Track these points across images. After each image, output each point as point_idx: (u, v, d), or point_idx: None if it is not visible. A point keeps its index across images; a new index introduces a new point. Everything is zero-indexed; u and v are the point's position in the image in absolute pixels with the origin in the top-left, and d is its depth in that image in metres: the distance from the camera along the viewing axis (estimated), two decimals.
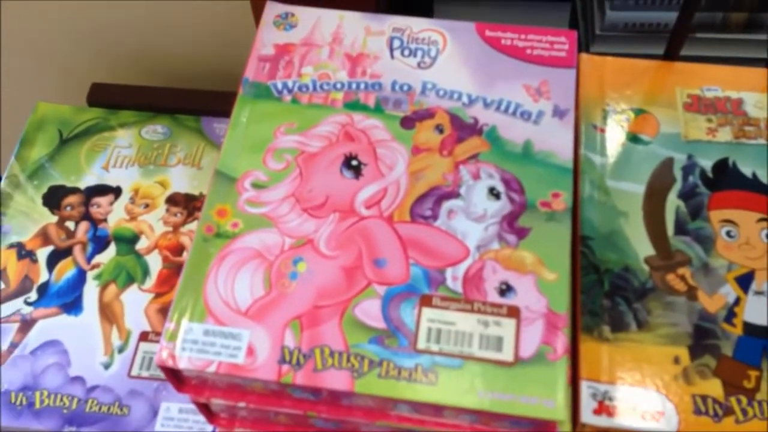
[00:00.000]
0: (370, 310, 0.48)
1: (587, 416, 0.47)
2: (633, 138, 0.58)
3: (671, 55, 0.65)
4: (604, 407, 0.47)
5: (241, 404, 0.50)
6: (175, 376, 0.49)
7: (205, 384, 0.50)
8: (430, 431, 0.49)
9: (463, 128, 0.55)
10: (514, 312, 0.47)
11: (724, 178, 0.56)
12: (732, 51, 0.79)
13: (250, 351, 0.47)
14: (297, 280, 0.49)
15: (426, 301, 0.48)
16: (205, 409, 0.53)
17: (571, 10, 0.88)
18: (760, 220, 0.54)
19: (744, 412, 0.47)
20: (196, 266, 0.50)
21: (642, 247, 0.53)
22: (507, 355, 0.46)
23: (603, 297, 0.51)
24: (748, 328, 0.50)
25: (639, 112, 0.60)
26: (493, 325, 0.47)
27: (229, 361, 0.46)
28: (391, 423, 0.49)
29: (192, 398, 0.51)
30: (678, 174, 0.56)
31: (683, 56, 0.65)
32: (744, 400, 0.47)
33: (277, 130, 0.55)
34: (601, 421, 0.47)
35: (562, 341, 0.46)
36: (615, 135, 0.58)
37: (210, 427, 0.57)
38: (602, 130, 0.59)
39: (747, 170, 0.56)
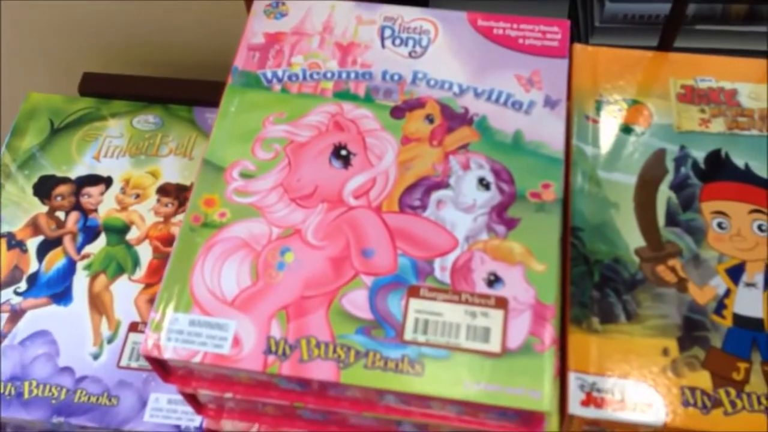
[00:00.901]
0: (357, 301, 0.48)
1: (575, 407, 0.46)
2: (625, 129, 0.58)
3: (664, 46, 0.64)
4: (592, 398, 0.47)
5: (228, 395, 0.49)
6: (162, 367, 0.49)
7: (191, 375, 0.49)
8: (417, 422, 0.49)
9: (454, 118, 0.55)
10: (501, 303, 0.47)
11: (717, 169, 0.55)
12: (732, 43, 0.78)
13: (236, 341, 0.46)
14: (284, 270, 0.49)
15: (413, 292, 0.48)
16: (193, 400, 0.53)
17: (570, 2, 0.88)
18: (752, 211, 0.53)
19: (732, 404, 0.46)
20: (183, 256, 0.49)
21: (632, 238, 0.52)
22: (494, 346, 0.46)
23: (592, 288, 0.51)
24: (738, 319, 0.49)
25: (632, 102, 0.59)
26: (480, 316, 0.47)
27: (214, 352, 0.46)
28: (378, 414, 0.48)
29: (179, 389, 0.51)
30: (670, 165, 0.56)
31: (683, 48, 0.65)
32: (733, 392, 0.47)
33: (266, 120, 0.55)
34: (589, 412, 0.46)
35: (549, 332, 0.46)
36: (607, 126, 0.58)
37: (198, 418, 0.57)
38: (595, 121, 0.58)
39: (740, 161, 0.56)
